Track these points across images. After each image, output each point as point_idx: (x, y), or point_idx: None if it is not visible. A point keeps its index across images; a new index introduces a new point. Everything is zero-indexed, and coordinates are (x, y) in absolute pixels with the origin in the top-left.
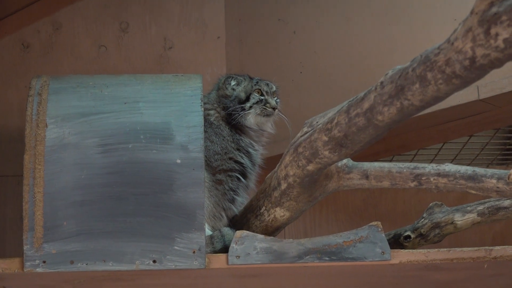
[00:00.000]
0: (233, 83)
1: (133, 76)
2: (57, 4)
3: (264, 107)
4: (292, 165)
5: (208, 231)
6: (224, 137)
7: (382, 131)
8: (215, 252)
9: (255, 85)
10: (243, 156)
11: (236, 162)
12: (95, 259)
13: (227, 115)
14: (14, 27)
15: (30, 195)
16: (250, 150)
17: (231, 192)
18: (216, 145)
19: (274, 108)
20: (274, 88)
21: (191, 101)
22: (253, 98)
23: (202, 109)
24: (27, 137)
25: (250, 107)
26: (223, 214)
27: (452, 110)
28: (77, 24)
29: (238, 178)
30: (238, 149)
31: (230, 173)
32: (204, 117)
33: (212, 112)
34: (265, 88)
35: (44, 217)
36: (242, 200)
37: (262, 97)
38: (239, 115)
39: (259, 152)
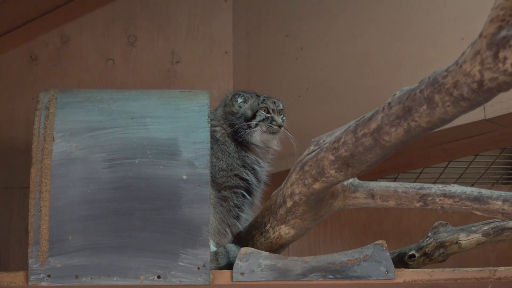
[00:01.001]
0: (240, 100)
1: (140, 91)
2: (65, 17)
3: (270, 124)
4: (298, 183)
5: (212, 247)
6: (230, 153)
7: (388, 151)
8: (220, 268)
9: (261, 102)
10: (249, 173)
11: (242, 179)
12: (100, 273)
13: (233, 132)
14: (22, 39)
15: (36, 208)
16: (256, 167)
17: (236, 209)
18: (221, 161)
19: (280, 126)
20: (281, 106)
21: (198, 117)
22: (259, 115)
23: (209, 125)
24: (34, 150)
25: (256, 124)
26: (228, 231)
27: (458, 129)
28: (85, 37)
29: (243, 195)
30: (243, 166)
31: (235, 190)
32: (210, 134)
33: (218, 128)
34: (272, 106)
35: (49, 231)
36: (247, 216)
37: (269, 115)
38: (245, 132)
39: (264, 169)
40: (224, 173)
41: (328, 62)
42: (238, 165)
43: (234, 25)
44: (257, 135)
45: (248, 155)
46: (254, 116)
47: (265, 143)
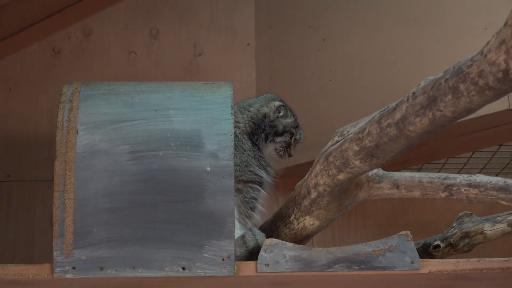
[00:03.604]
0: (281, 113)
1: (163, 83)
2: (88, 10)
3: (285, 149)
4: (322, 174)
5: (238, 232)
6: (245, 150)
7: (413, 142)
8: (249, 251)
9: (293, 128)
10: (263, 171)
11: (256, 175)
12: (125, 265)
13: (252, 132)
14: (45, 32)
15: (60, 201)
16: (268, 169)
17: (253, 200)
18: (235, 157)
19: (289, 156)
20: (301, 140)
21: (222, 109)
22: (285, 137)
23: (233, 117)
24: (58, 143)
25: (278, 141)
26: (248, 222)
27: (482, 119)
28: (108, 30)
29: (258, 189)
30: (258, 166)
31: (250, 184)
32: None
33: (241, 125)
34: (297, 136)
35: (74, 223)
36: (263, 209)
37: (290, 142)
38: (266, 139)
39: (272, 174)
40: (238, 168)
41: (351, 53)
42: (254, 163)
43: (256, 17)
44: (269, 148)
45: (262, 156)
46: (280, 134)
47: (269, 156)
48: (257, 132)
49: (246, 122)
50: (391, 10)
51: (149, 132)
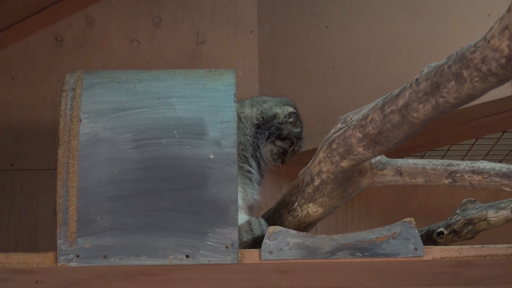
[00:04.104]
0: (291, 119)
1: (166, 71)
2: None
3: (281, 155)
4: (325, 161)
5: (244, 217)
6: (246, 134)
7: (416, 128)
8: (255, 238)
9: (296, 138)
10: (254, 164)
11: (248, 163)
12: (129, 254)
13: (257, 127)
14: (48, 21)
15: (64, 189)
16: (262, 163)
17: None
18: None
19: (282, 163)
20: (298, 153)
21: (224, 97)
22: (285, 143)
23: (235, 104)
24: (61, 132)
25: (278, 145)
26: None
27: (486, 106)
28: (110, 18)
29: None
30: (252, 155)
31: (241, 164)
32: (237, 113)
33: (248, 114)
34: (296, 147)
35: (77, 211)
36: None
37: (288, 150)
38: (267, 139)
39: (264, 169)
40: None
41: (353, 40)
42: (249, 151)
43: (259, 4)
44: (267, 148)
45: (260, 151)
46: (283, 139)
47: (263, 156)
48: (263, 128)
49: (255, 114)
50: None
51: (152, 120)
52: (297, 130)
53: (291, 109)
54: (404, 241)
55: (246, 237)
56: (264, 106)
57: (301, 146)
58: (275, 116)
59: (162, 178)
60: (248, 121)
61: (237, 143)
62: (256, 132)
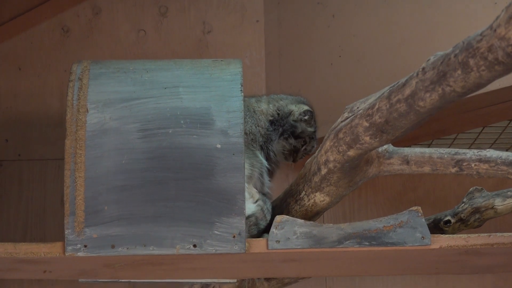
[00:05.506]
0: (307, 117)
1: (172, 61)
2: None
3: (292, 154)
4: (332, 151)
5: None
6: (258, 125)
7: (423, 117)
8: (267, 223)
9: (310, 137)
10: (263, 155)
11: (256, 156)
12: (136, 243)
13: (272, 120)
14: (54, 11)
15: (71, 179)
16: (271, 155)
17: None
18: (247, 124)
19: (293, 161)
20: (309, 153)
21: (231, 86)
22: (298, 142)
23: (242, 94)
24: (68, 122)
25: (291, 143)
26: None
27: (492, 94)
28: (116, 8)
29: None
30: (261, 147)
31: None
32: (252, 106)
33: (264, 109)
34: (309, 147)
35: (85, 201)
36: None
37: (300, 149)
38: (279, 135)
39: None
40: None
41: (360, 29)
42: (259, 142)
43: None
44: (279, 144)
45: (273, 144)
46: (296, 137)
47: (274, 152)
48: (277, 124)
49: (271, 110)
50: None
51: (159, 110)
52: (311, 129)
53: (306, 108)
54: (411, 230)
55: (262, 224)
56: (281, 103)
57: (313, 146)
58: (290, 113)
59: (169, 168)
60: (263, 116)
61: (243, 133)
62: (270, 128)
